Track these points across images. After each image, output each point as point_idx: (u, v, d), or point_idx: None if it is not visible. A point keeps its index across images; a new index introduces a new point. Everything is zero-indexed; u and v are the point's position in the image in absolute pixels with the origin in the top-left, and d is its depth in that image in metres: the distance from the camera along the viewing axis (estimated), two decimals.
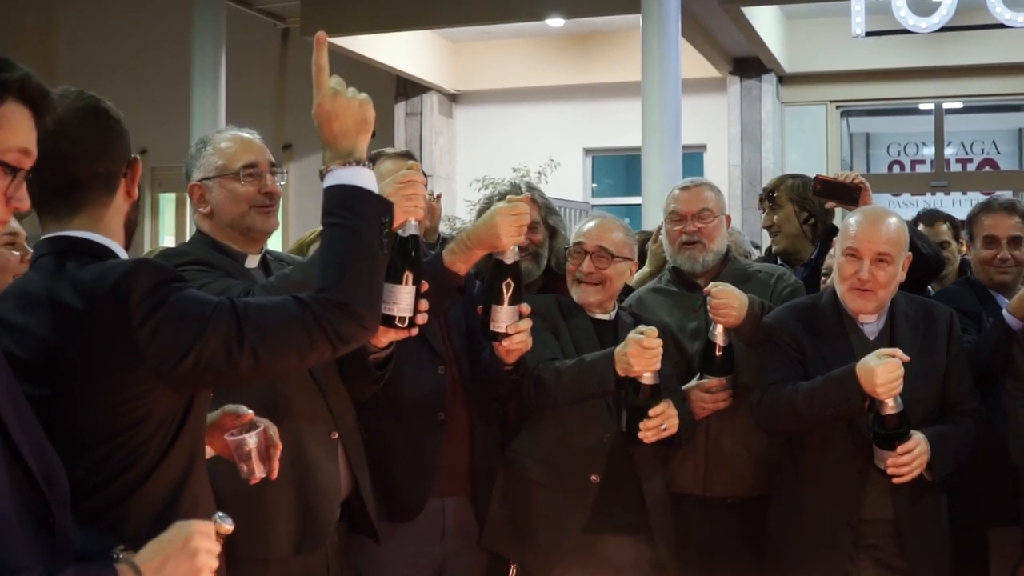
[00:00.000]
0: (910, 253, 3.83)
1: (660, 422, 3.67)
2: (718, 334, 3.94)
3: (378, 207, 2.48)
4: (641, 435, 3.68)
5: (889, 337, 3.79)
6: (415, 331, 2.98)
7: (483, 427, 3.89)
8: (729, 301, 3.88)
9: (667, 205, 4.35)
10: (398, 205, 2.80)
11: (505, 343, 3.49)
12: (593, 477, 3.84)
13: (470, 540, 3.87)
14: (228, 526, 2.17)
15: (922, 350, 3.65)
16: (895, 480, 3.59)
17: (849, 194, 4.34)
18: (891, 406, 3.52)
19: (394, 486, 3.67)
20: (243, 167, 3.35)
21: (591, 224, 4.05)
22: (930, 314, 3.88)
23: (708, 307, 3.92)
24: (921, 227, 5.04)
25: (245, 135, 3.45)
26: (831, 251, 4.47)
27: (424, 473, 3.70)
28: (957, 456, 3.70)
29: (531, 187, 4.54)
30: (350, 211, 2.44)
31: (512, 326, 3.45)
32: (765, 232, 5.15)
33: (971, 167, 16.13)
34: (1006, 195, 4.57)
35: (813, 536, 3.80)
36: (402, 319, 2.95)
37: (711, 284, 3.95)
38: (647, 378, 3.64)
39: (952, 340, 3.85)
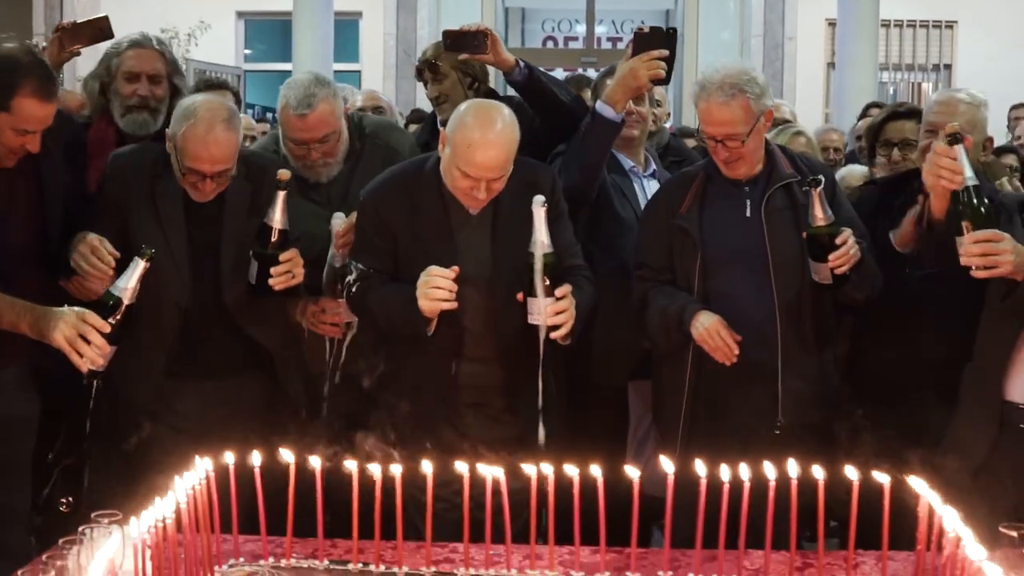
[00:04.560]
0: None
1: (289, 268, 3.74)
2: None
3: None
4: (272, 282, 3.74)
5: (493, 213, 3.75)
6: None
7: None
8: None
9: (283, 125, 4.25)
10: None
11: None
12: (172, 340, 3.90)
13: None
14: None
15: (526, 217, 3.58)
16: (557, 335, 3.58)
17: (477, 43, 4.32)
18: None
19: None
20: None
21: None
22: (533, 177, 3.80)
23: None
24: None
25: None
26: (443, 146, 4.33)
27: None
28: (582, 318, 3.73)
29: (160, 42, 4.57)
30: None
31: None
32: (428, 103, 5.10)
33: (620, 45, 16.58)
34: None
35: (422, 391, 3.78)
36: None
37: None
38: (278, 221, 3.70)
39: (552, 202, 3.76)
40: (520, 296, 3.57)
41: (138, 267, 3.37)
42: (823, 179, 3.69)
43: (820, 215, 3.67)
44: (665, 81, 4.17)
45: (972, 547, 2.46)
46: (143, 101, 4.38)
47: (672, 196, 4.02)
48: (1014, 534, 2.64)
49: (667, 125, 5.69)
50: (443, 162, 3.69)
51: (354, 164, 4.28)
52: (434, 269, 3.55)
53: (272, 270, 3.73)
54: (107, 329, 3.28)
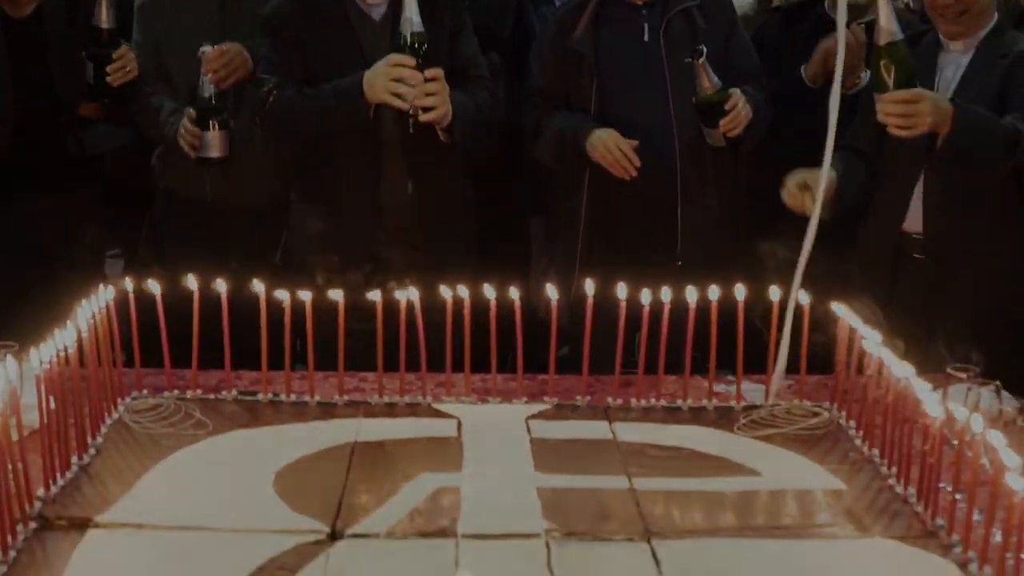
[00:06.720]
0: None
1: (124, 64, 3.84)
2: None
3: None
4: (110, 79, 3.82)
5: (392, 21, 3.63)
6: None
7: None
8: None
9: None
10: None
11: None
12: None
13: None
14: None
15: (424, 20, 3.52)
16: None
17: None
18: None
19: None
20: None
21: None
22: None
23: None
24: None
25: None
26: None
27: None
28: (476, 126, 3.70)
29: None
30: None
31: None
32: None
33: None
34: None
35: (341, 221, 3.72)
36: None
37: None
38: (104, 20, 3.80)
39: (454, 13, 3.78)
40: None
41: None
42: (704, 49, 3.63)
43: (707, 84, 3.66)
44: None
45: (896, 366, 2.45)
46: None
47: (566, 18, 3.92)
48: (963, 376, 2.63)
49: None
50: None
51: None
52: (405, 69, 3.48)
53: (108, 68, 3.82)
54: None
